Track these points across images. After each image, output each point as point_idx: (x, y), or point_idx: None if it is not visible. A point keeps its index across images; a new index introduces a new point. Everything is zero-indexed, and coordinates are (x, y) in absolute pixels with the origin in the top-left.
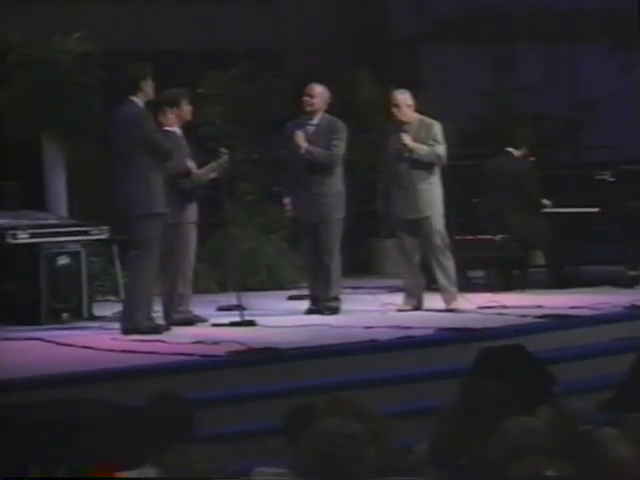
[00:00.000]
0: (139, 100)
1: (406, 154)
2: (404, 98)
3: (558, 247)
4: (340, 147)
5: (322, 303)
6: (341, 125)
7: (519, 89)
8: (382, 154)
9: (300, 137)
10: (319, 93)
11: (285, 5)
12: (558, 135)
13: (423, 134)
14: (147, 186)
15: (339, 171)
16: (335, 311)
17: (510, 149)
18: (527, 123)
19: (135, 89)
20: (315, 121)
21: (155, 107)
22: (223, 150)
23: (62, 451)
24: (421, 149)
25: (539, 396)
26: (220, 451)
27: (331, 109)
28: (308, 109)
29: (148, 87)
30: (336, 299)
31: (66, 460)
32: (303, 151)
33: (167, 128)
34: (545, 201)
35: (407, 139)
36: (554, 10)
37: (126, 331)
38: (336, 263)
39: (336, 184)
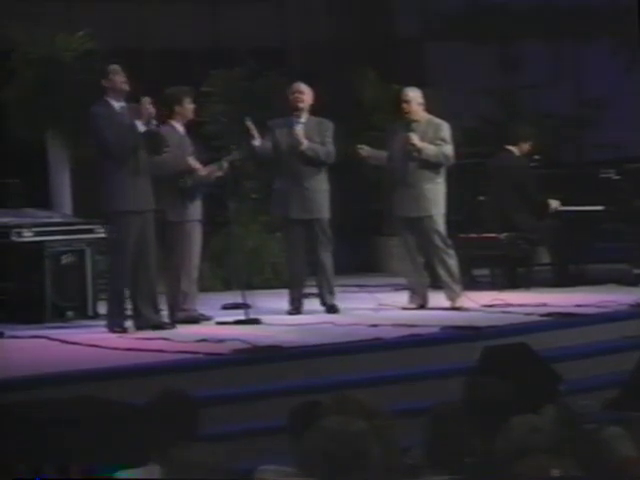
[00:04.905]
0: (111, 99)
1: (414, 154)
2: (415, 96)
3: (563, 245)
4: (332, 145)
5: (323, 300)
6: (331, 124)
7: (523, 87)
8: (387, 152)
9: (300, 133)
10: (308, 91)
11: (289, 4)
12: (563, 133)
13: (431, 133)
14: (107, 184)
15: (325, 170)
16: (334, 307)
17: (509, 147)
18: (531, 121)
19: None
20: (303, 119)
21: (158, 105)
22: (233, 148)
23: (65, 450)
24: (429, 149)
25: (544, 395)
26: (224, 449)
27: (335, 107)
28: (300, 105)
29: (112, 84)
30: (332, 294)
31: (69, 459)
32: (304, 147)
33: (153, 123)
34: (554, 203)
35: (415, 139)
36: (558, 8)
37: (107, 328)
38: (331, 259)
39: (325, 182)
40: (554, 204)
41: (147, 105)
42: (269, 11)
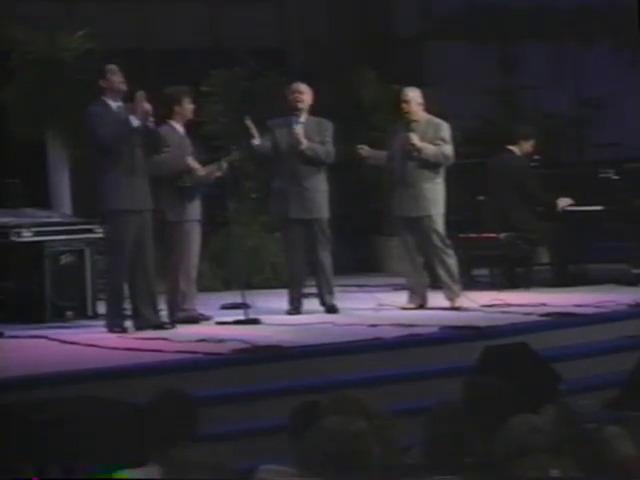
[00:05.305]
0: (108, 99)
1: (414, 154)
2: (415, 95)
3: (563, 245)
4: (331, 144)
5: (322, 300)
6: (330, 124)
7: (523, 87)
8: (387, 152)
9: (300, 133)
10: (307, 91)
11: (289, 4)
12: (563, 133)
13: (430, 133)
14: (104, 183)
15: (324, 170)
16: (333, 307)
17: (510, 147)
18: (531, 121)
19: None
20: (302, 119)
21: (157, 105)
22: (233, 148)
23: (65, 450)
24: (429, 149)
25: (544, 394)
26: (224, 449)
27: (335, 107)
28: (300, 105)
29: (109, 84)
30: (331, 294)
31: (68, 459)
32: (304, 147)
33: (150, 120)
34: (563, 201)
35: (415, 139)
36: (558, 8)
37: (106, 328)
38: (330, 259)
39: (325, 181)
40: (563, 203)
41: (141, 99)
42: (269, 11)
